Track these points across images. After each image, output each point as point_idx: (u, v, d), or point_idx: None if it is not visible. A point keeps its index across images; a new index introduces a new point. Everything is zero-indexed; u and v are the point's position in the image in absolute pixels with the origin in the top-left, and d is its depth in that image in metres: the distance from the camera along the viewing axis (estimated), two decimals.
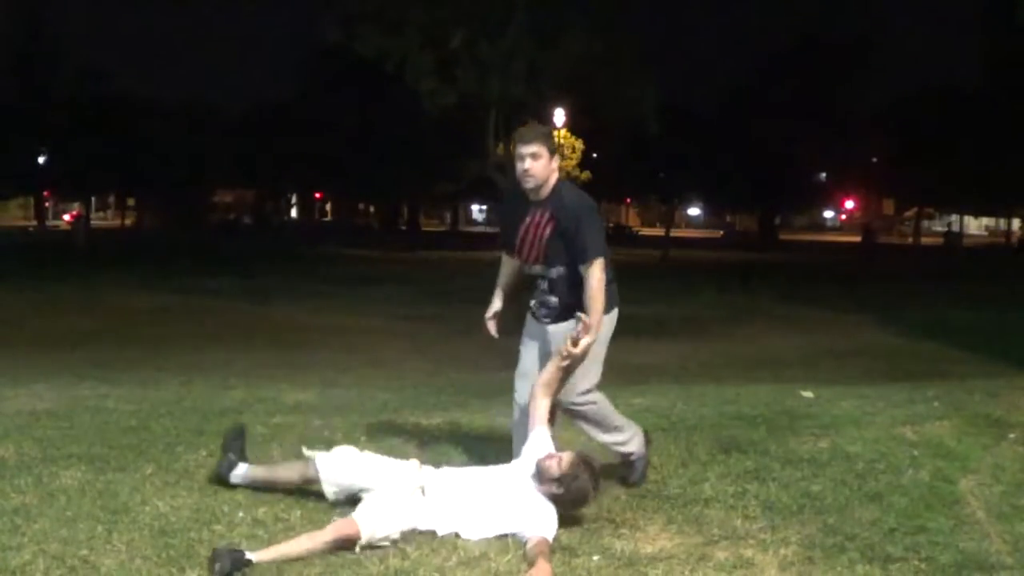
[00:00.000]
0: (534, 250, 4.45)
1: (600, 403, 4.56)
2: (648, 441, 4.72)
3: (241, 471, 4.41)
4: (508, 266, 4.76)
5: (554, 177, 4.41)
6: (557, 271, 4.42)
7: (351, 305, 19.64)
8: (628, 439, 4.62)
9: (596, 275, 4.27)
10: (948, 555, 3.73)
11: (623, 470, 4.66)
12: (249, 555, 3.54)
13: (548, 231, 4.38)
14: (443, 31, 23.51)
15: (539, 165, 4.35)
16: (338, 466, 4.22)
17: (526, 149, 4.34)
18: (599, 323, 4.29)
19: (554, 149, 4.42)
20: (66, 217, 74.35)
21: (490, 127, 25.93)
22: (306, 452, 4.42)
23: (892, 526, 4.04)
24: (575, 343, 4.21)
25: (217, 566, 3.43)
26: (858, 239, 52.59)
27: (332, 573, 3.56)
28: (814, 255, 47.43)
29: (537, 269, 4.49)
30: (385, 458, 4.32)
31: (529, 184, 4.38)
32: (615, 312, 4.54)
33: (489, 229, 72.53)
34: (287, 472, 4.39)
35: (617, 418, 4.64)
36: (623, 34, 25.50)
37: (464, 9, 23.22)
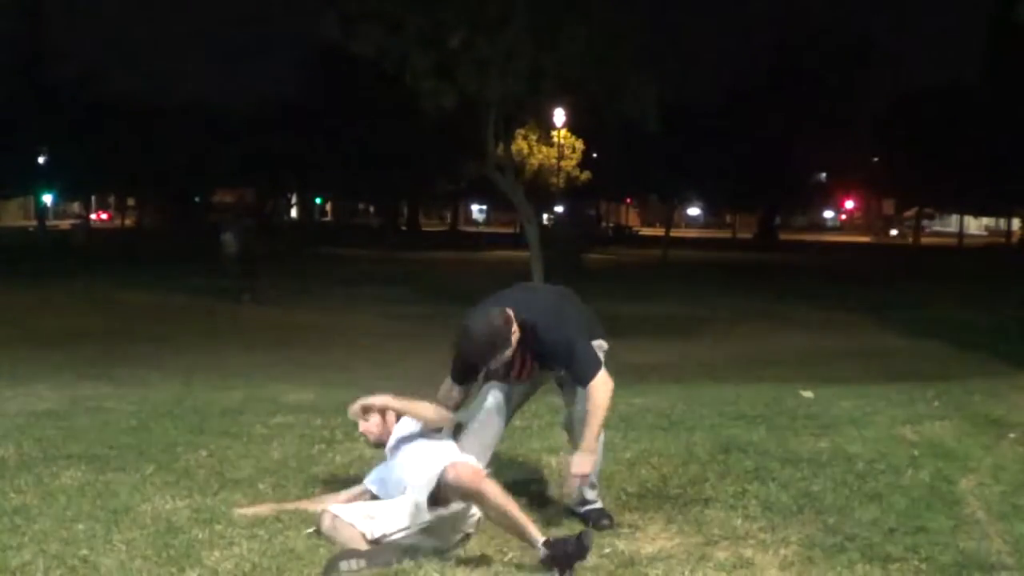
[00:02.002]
0: (524, 374, 4.21)
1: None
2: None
3: None
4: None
5: (515, 337, 3.99)
6: (557, 373, 4.21)
7: (351, 305, 19.65)
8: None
9: (599, 388, 3.96)
10: (948, 555, 3.73)
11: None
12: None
13: (537, 365, 4.16)
14: (443, 31, 23.50)
15: (504, 358, 4.01)
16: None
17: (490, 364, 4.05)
18: (595, 434, 3.96)
19: (508, 340, 3.96)
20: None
21: (490, 127, 25.93)
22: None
23: (892, 526, 4.04)
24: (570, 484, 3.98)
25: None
26: (860, 239, 52.43)
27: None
28: (814, 255, 47.45)
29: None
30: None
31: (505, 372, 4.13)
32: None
33: (489, 229, 72.61)
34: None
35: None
36: (623, 34, 25.47)
37: (463, 9, 23.21)
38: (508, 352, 3.98)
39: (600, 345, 4.20)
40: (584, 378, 3.99)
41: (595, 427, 3.94)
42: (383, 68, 25.36)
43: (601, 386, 3.97)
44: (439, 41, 23.63)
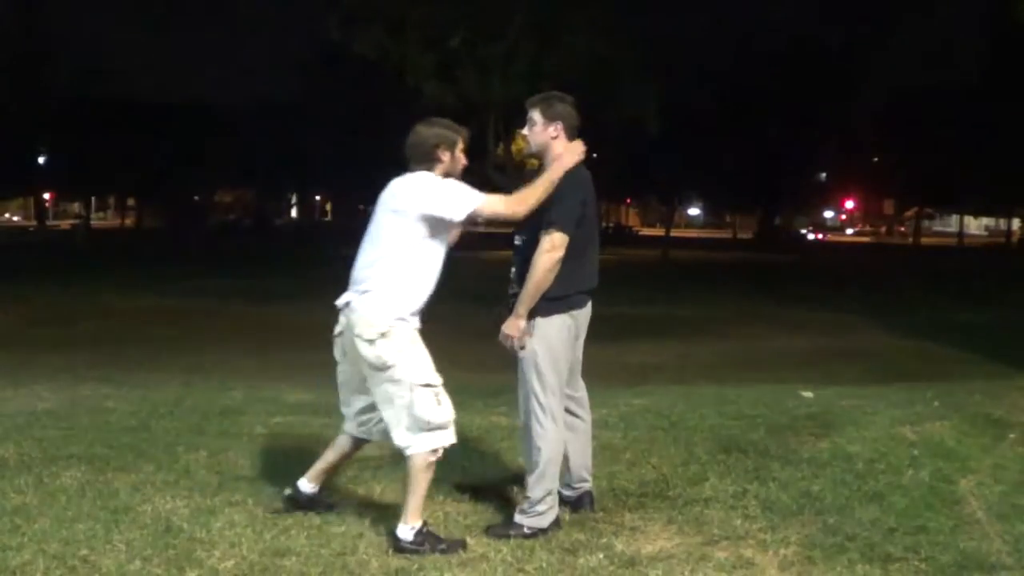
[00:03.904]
0: None
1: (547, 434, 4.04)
2: (556, 526, 4.04)
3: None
4: None
5: (559, 147, 4.19)
6: (521, 238, 4.15)
7: None
8: (541, 500, 4.01)
9: (546, 246, 3.93)
10: (948, 555, 3.73)
11: (502, 526, 4.06)
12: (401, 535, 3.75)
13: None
14: (443, 31, 23.51)
15: (530, 132, 4.22)
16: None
17: (527, 113, 4.22)
18: (527, 299, 3.96)
19: (555, 117, 4.18)
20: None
21: (490, 127, 25.95)
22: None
23: (892, 526, 4.04)
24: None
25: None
26: (859, 240, 52.28)
27: (332, 572, 3.56)
28: (814, 255, 47.45)
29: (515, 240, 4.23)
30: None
31: (525, 149, 4.31)
32: (566, 318, 4.08)
33: (488, 229, 72.51)
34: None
35: (554, 479, 4.08)
36: (623, 34, 25.50)
37: (464, 9, 23.21)
38: (548, 127, 4.20)
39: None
40: (548, 220, 3.96)
41: (528, 292, 3.96)
42: (384, 68, 25.43)
43: (548, 252, 3.93)
44: (440, 41, 23.66)
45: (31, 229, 59.98)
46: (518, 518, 4.01)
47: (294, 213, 79.72)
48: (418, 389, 3.83)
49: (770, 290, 25.32)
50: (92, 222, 66.29)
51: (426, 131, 4.03)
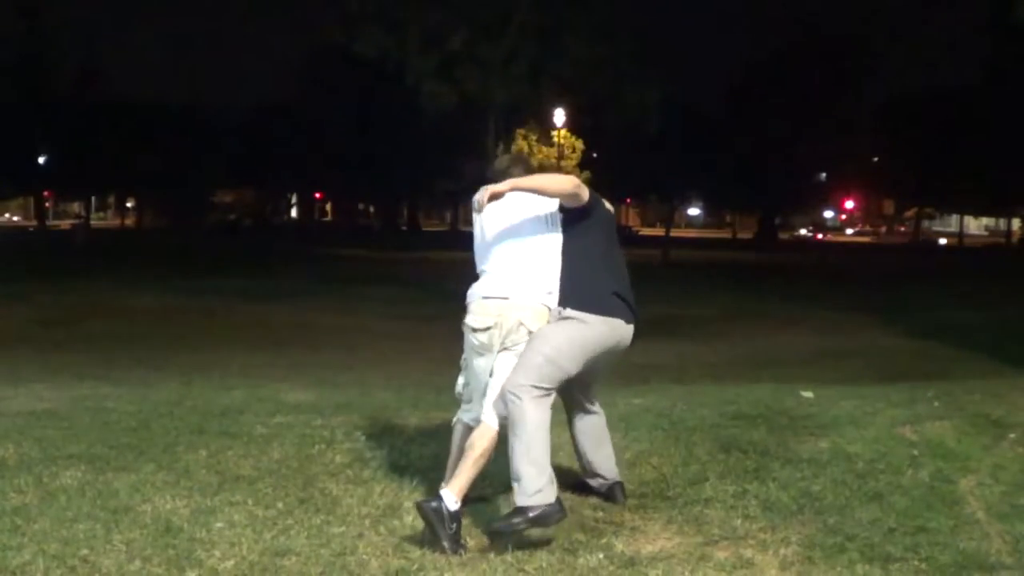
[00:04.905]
0: None
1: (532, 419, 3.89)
2: (558, 513, 3.84)
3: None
4: None
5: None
6: None
7: (351, 305, 19.64)
8: (533, 478, 3.82)
9: (563, 177, 4.33)
10: (948, 555, 3.73)
11: (506, 515, 3.89)
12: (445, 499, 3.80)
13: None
14: (443, 32, 23.52)
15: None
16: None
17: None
18: (525, 183, 4.12)
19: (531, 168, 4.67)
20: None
21: (490, 127, 25.97)
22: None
23: (892, 526, 4.04)
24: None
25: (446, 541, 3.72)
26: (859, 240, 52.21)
27: (332, 572, 3.56)
28: (814, 255, 47.42)
29: None
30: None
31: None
32: (596, 319, 4.20)
33: None
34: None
35: (542, 455, 3.88)
36: (623, 34, 25.52)
37: (464, 10, 23.22)
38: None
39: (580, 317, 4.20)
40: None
41: (531, 178, 4.17)
42: (384, 68, 25.46)
43: (567, 179, 4.25)
44: (440, 41, 23.67)
45: (31, 229, 59.97)
46: (519, 500, 3.80)
47: (294, 213, 79.70)
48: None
49: (769, 290, 25.32)
50: (92, 222, 66.33)
51: (509, 160, 4.63)
